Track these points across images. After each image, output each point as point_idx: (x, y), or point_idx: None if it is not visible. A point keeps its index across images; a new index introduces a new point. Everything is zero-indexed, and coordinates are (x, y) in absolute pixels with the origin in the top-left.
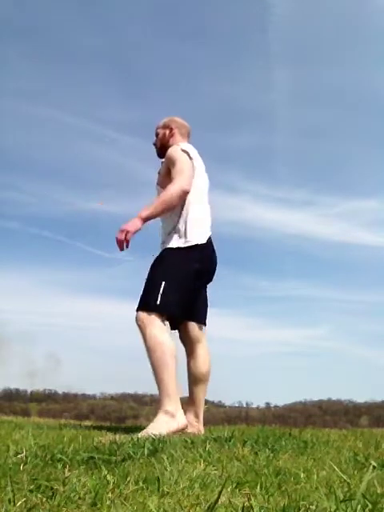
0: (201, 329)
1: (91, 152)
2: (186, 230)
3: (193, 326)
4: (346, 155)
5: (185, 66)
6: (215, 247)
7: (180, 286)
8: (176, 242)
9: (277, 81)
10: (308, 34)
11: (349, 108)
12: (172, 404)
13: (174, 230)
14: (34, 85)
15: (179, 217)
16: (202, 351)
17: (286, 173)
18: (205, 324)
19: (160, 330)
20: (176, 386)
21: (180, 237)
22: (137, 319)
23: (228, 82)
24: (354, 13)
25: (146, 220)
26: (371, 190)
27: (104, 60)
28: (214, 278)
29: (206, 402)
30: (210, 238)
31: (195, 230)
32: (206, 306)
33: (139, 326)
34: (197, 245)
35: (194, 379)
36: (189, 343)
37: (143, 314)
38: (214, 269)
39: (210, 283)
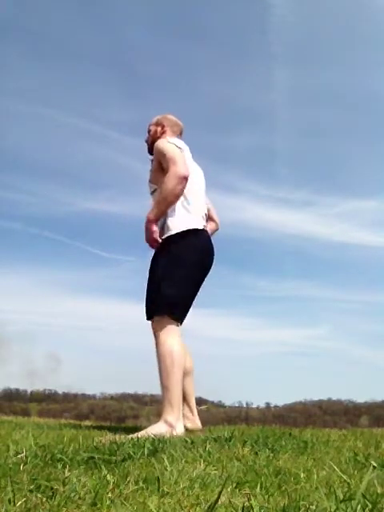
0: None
1: (91, 152)
2: (175, 220)
3: None
4: (346, 155)
5: (184, 65)
6: (215, 247)
7: (181, 280)
8: (166, 233)
9: (277, 81)
10: (308, 34)
11: (349, 108)
12: (173, 414)
13: (163, 223)
14: (34, 85)
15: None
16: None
17: (285, 173)
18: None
19: (173, 337)
20: (180, 395)
21: (169, 228)
22: (151, 325)
23: (228, 82)
24: (354, 13)
25: (157, 220)
26: (371, 190)
27: (104, 60)
28: (214, 278)
29: (206, 402)
30: (204, 228)
31: (185, 218)
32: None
33: (153, 332)
34: (189, 231)
35: None
36: None
37: (155, 319)
38: (212, 259)
39: (208, 283)
